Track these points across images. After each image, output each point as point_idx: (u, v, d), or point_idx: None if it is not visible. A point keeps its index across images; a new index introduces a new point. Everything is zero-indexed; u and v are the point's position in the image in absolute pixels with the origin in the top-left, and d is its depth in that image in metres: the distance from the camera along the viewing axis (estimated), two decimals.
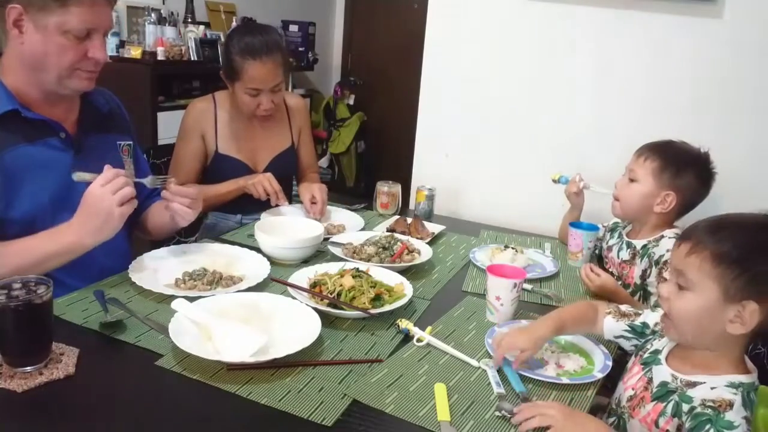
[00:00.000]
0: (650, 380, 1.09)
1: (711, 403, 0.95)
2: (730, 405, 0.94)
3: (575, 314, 1.24)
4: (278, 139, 2.07)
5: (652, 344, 1.16)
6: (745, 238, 0.99)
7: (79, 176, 1.30)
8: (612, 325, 1.24)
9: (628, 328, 1.22)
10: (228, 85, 1.94)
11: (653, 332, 1.19)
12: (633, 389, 1.12)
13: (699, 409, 0.96)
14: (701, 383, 1.00)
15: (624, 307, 1.26)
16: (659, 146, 1.59)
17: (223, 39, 3.30)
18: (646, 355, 1.14)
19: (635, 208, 1.61)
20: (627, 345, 1.23)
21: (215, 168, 1.97)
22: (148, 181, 1.46)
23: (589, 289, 1.53)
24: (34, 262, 1.23)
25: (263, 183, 1.85)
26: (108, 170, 1.27)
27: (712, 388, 0.98)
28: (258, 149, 2.02)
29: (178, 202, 1.43)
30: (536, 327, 1.17)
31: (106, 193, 1.23)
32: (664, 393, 1.05)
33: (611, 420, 1.17)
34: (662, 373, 1.08)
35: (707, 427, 0.93)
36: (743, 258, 0.96)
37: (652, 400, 1.06)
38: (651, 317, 1.21)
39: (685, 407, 0.99)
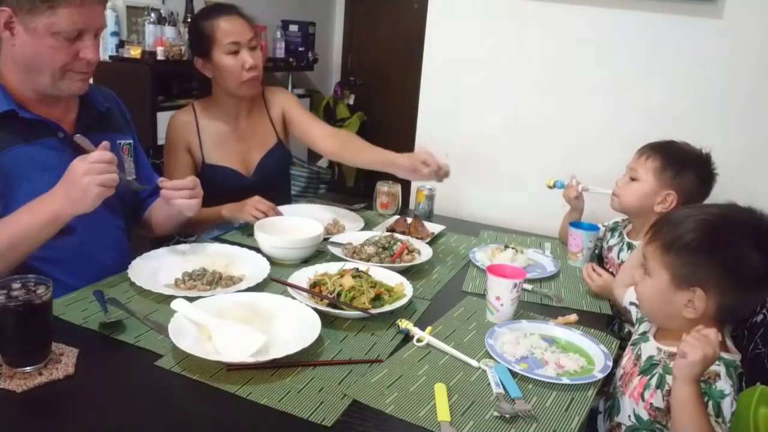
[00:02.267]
0: (638, 357, 1.14)
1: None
2: (718, 375, 0.99)
3: None
4: (264, 137, 2.02)
5: (641, 327, 1.21)
6: (694, 229, 1.05)
7: (80, 138, 1.32)
8: (630, 293, 1.30)
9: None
10: (205, 65, 1.87)
11: None
12: (623, 368, 1.17)
13: None
14: None
15: None
16: (661, 146, 1.60)
17: None
18: (635, 336, 1.20)
19: (635, 206, 1.61)
20: (635, 314, 1.29)
21: (205, 179, 1.91)
22: (134, 183, 1.45)
23: (591, 289, 1.53)
24: (20, 236, 1.22)
25: (256, 207, 1.75)
26: (101, 151, 1.26)
27: None
28: (246, 151, 1.98)
29: (178, 197, 1.43)
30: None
31: (91, 170, 1.22)
32: (648, 366, 1.10)
33: (607, 403, 1.21)
34: (649, 348, 1.13)
35: (704, 399, 0.96)
36: (688, 248, 1.04)
37: (638, 375, 1.10)
38: None
39: (669, 379, 1.02)
